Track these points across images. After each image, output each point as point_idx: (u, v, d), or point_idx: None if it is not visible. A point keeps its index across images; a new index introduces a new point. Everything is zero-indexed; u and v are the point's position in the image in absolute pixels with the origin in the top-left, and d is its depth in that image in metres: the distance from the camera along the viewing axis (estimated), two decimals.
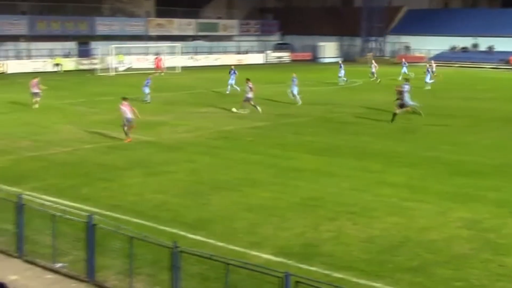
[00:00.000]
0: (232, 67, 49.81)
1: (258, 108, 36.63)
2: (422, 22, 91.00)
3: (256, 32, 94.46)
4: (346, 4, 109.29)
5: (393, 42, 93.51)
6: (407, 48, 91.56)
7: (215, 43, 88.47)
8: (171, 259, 11.53)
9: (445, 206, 18.39)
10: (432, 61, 61.23)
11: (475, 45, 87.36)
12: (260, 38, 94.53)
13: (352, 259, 14.21)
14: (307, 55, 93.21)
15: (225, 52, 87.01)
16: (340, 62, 60.46)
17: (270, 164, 23.62)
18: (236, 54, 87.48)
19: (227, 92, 46.98)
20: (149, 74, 49.55)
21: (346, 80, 54.76)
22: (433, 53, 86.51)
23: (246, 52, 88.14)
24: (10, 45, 69.68)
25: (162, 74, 62.63)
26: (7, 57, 67.93)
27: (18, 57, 69.08)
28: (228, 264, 10.95)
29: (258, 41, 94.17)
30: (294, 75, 41.86)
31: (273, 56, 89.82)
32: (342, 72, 55.02)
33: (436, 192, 20.00)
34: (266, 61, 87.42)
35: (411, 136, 30.25)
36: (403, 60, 65.77)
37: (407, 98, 34.45)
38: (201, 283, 12.10)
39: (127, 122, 27.93)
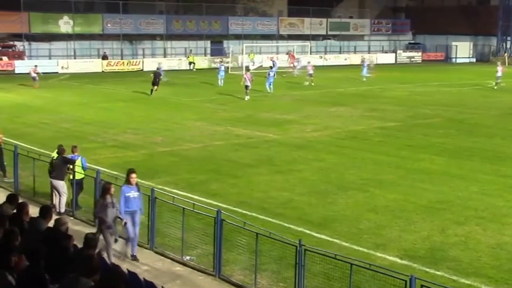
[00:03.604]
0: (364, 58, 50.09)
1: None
2: None
3: (387, 32, 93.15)
4: (482, 3, 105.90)
5: None
6: None
7: (345, 43, 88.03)
8: (295, 257, 11.67)
9: None
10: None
11: None
12: (391, 38, 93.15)
13: (480, 265, 13.86)
14: (439, 55, 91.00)
15: (355, 51, 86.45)
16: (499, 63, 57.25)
17: (398, 165, 23.35)
18: (366, 53, 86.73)
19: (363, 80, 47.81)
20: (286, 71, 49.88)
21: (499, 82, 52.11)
22: None
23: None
24: (147, 44, 72.29)
25: (296, 73, 62.59)
26: (144, 55, 70.48)
27: (154, 55, 71.47)
28: (352, 264, 10.98)
29: (389, 40, 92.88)
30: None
31: (404, 56, 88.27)
32: (499, 74, 52.28)
33: None
34: (397, 61, 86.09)
35: None
36: None
37: None
38: (324, 282, 12.15)
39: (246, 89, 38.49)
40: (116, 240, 13.82)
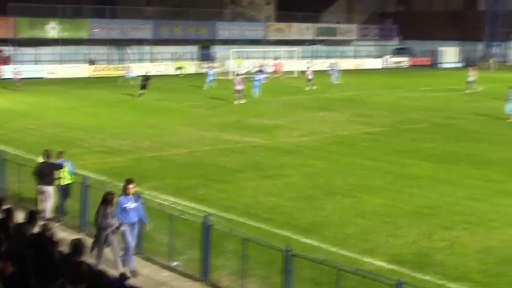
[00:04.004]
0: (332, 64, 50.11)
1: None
2: None
3: (375, 37, 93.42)
4: (469, 8, 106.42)
5: None
6: None
7: (333, 48, 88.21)
8: (283, 262, 11.66)
9: None
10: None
11: None
12: (379, 43, 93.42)
13: (467, 270, 13.90)
14: (426, 60, 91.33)
15: (342, 56, 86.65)
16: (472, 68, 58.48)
17: (385, 171, 23.39)
18: (354, 58, 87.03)
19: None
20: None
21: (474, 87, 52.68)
22: None
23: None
24: (134, 49, 72.17)
25: (281, 78, 62.88)
26: (131, 60, 70.35)
27: (141, 60, 71.35)
28: (340, 270, 10.98)
29: (377, 45, 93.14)
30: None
31: (392, 61, 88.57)
32: (470, 78, 53.05)
33: None
34: (384, 66, 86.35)
35: None
36: None
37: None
38: (312, 287, 12.15)
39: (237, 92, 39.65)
40: (127, 250, 13.69)
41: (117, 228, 13.51)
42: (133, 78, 53.82)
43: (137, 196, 14.13)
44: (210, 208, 17.62)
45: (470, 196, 19.94)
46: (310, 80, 53.01)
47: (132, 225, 13.85)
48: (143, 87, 45.43)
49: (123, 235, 13.70)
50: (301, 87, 52.06)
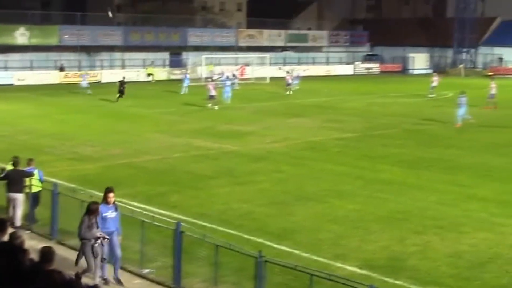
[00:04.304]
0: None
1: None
2: None
3: (345, 43, 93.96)
4: (438, 15, 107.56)
5: (486, 54, 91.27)
6: (500, 60, 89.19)
7: (304, 54, 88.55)
8: (255, 268, 11.63)
9: None
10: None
11: None
12: (349, 49, 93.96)
13: (438, 274, 13.99)
14: (396, 67, 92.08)
15: (313, 63, 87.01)
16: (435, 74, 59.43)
17: (357, 176, 23.48)
18: (325, 65, 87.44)
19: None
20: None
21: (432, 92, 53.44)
22: None
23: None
24: (105, 55, 71.82)
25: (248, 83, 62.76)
26: (102, 67, 70.00)
27: (112, 66, 71.00)
28: (312, 275, 10.97)
29: (347, 52, 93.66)
30: None
31: (362, 67, 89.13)
32: (434, 84, 53.84)
33: None
34: (355, 73, 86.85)
35: (504, 150, 29.43)
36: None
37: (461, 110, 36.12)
38: None
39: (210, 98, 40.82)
40: (103, 260, 13.21)
41: (104, 238, 13.06)
42: (88, 87, 52.56)
43: (116, 205, 13.86)
44: (182, 215, 17.52)
45: (441, 201, 20.09)
46: (289, 85, 54.34)
47: (110, 234, 13.42)
48: (121, 92, 46.23)
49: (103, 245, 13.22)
50: (273, 93, 52.09)
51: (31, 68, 65.30)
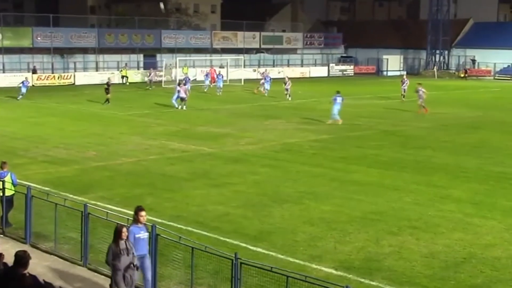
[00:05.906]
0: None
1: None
2: (488, 35, 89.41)
3: (319, 45, 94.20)
4: (412, 17, 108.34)
5: (459, 56, 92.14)
6: (473, 61, 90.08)
7: (279, 56, 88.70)
8: (231, 270, 11.60)
9: (511, 223, 18.01)
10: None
11: None
12: (324, 51, 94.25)
13: (414, 275, 14.05)
14: (371, 68, 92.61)
15: (288, 64, 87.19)
16: (404, 76, 59.79)
17: (332, 177, 23.54)
18: (300, 67, 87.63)
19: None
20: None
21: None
22: (499, 67, 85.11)
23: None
24: (79, 57, 71.36)
25: (211, 86, 61.70)
26: (75, 69, 69.54)
27: (86, 69, 70.57)
28: (288, 277, 10.96)
29: (322, 54, 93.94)
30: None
31: (337, 69, 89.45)
32: (405, 86, 53.96)
33: (503, 208, 19.61)
34: (330, 74, 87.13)
35: (478, 151, 29.69)
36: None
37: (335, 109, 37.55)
38: None
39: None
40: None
41: (135, 266, 11.89)
42: (25, 91, 49.76)
43: (146, 226, 12.85)
44: (158, 217, 17.43)
45: (416, 202, 20.20)
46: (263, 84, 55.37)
47: (142, 257, 12.52)
48: (107, 93, 46.46)
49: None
50: (248, 96, 52.03)
51: (3, 70, 64.64)
